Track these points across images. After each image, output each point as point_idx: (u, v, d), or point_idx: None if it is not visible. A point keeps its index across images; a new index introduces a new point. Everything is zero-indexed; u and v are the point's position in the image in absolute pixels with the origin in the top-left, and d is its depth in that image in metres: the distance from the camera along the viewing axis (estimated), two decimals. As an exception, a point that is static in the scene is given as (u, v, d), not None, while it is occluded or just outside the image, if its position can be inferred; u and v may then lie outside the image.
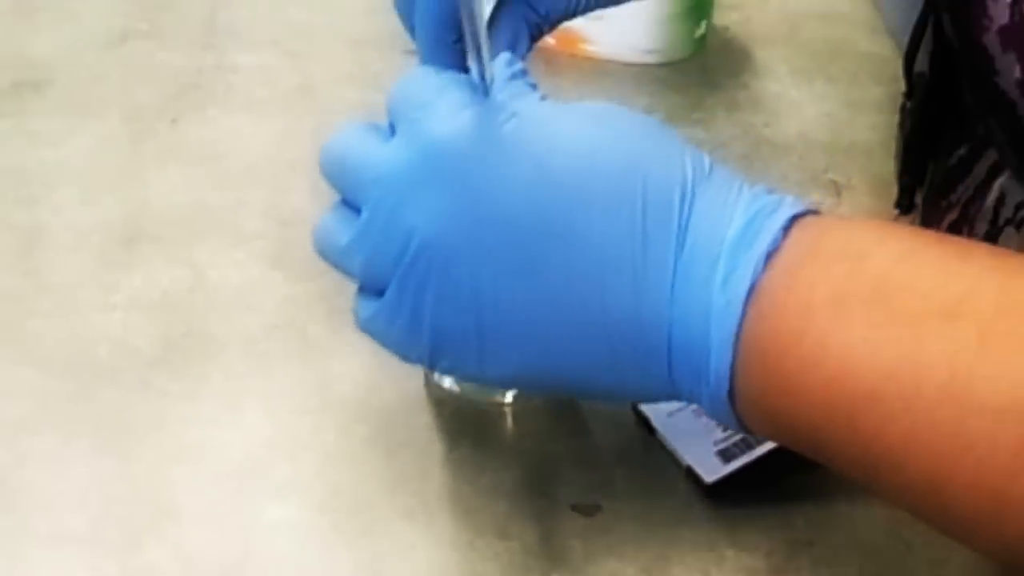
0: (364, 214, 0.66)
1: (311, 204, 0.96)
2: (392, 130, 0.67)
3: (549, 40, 1.09)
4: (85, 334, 0.88)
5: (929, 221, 0.81)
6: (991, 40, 0.62)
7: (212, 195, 0.97)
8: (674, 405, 0.80)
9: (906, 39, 1.14)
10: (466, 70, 0.74)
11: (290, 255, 0.93)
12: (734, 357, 0.60)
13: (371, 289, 0.67)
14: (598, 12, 1.07)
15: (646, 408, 0.82)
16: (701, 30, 1.10)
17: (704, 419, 0.79)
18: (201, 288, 0.91)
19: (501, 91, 0.67)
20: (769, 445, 0.77)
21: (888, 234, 0.60)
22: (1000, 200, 0.75)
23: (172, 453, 0.81)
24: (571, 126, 0.63)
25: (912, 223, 0.85)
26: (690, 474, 0.80)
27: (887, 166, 0.89)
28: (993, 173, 0.77)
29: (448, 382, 0.84)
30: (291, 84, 1.07)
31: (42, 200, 0.97)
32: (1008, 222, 0.74)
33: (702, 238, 0.60)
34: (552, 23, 0.78)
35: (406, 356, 0.70)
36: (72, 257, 0.93)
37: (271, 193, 0.97)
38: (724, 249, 0.60)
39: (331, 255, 0.69)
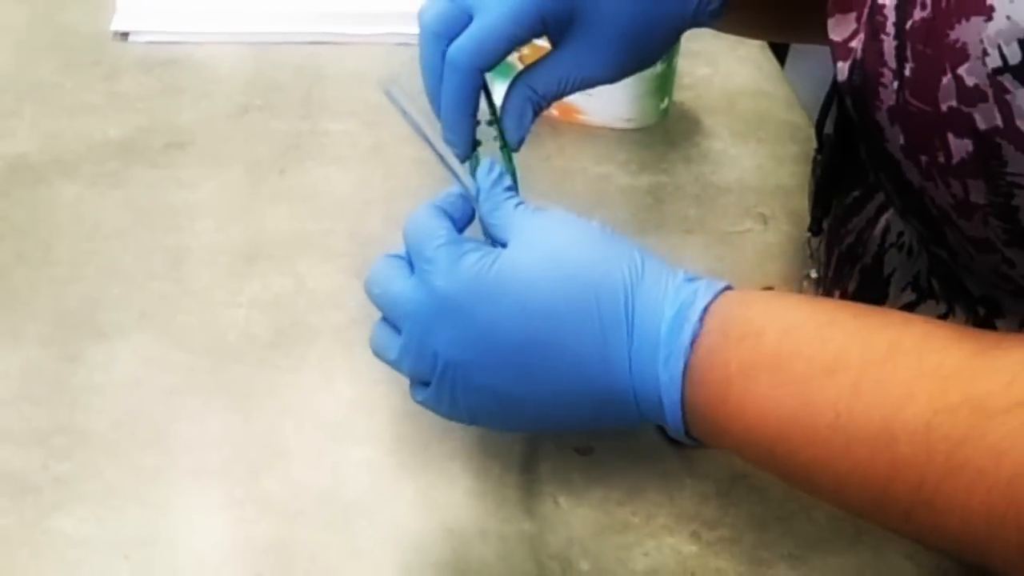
0: (402, 338, 0.67)
1: (381, 229, 0.96)
2: (411, 266, 0.67)
3: (553, 111, 1.10)
4: (218, 325, 0.88)
5: (832, 243, 0.82)
6: (882, 116, 0.62)
7: (310, 224, 0.97)
8: None
9: (816, 111, 1.15)
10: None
11: (366, 267, 0.92)
12: (683, 412, 0.62)
13: (419, 383, 0.68)
14: (588, 90, 1.07)
15: None
16: (664, 104, 1.10)
17: None
18: (302, 292, 0.91)
19: (486, 200, 0.68)
20: None
21: (777, 311, 0.60)
22: (886, 229, 0.75)
23: (282, 411, 0.82)
24: (538, 264, 0.63)
25: (819, 244, 0.85)
26: (659, 428, 0.80)
27: (801, 203, 0.89)
28: (880, 211, 0.77)
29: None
30: (366, 144, 1.07)
31: (186, 228, 0.97)
32: (892, 245, 0.74)
33: (644, 332, 0.61)
34: (549, 100, 0.77)
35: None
36: (208, 269, 0.93)
37: (352, 223, 0.98)
38: (661, 338, 0.61)
39: (385, 361, 0.69)
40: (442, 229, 0.66)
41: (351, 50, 1.20)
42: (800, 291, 0.87)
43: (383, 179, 1.03)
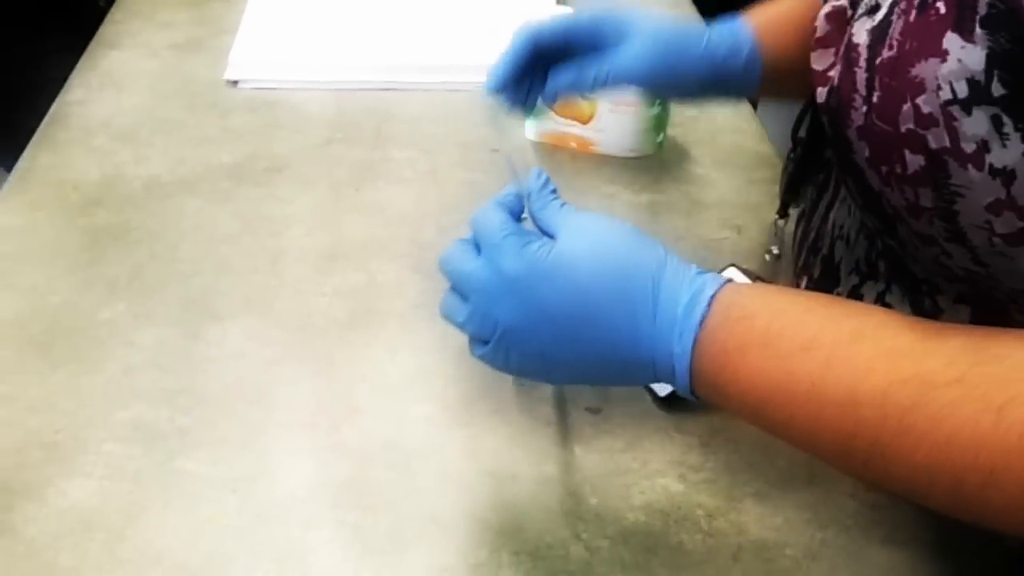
0: (469, 306, 0.66)
1: (435, 236, 0.96)
2: (478, 249, 0.67)
3: (572, 144, 1.10)
4: (307, 310, 0.89)
5: (802, 241, 0.82)
6: (852, 133, 0.62)
7: (379, 231, 0.98)
8: None
9: (781, 143, 1.14)
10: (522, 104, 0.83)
11: (423, 266, 0.93)
12: (690, 379, 0.61)
13: (478, 342, 0.67)
14: (601, 127, 1.08)
15: None
16: (661, 137, 1.10)
17: None
18: (373, 284, 0.91)
19: (536, 199, 0.68)
20: None
21: (767, 300, 0.60)
22: (833, 224, 0.76)
23: (357, 377, 0.82)
24: (584, 253, 0.63)
25: (785, 225, 0.85)
26: (650, 391, 0.80)
27: (768, 216, 0.89)
28: (828, 209, 0.77)
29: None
30: (425, 168, 1.07)
31: (282, 234, 0.97)
32: (837, 237, 0.75)
33: (665, 312, 0.61)
34: (589, 88, 0.82)
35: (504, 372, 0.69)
36: (300, 266, 0.93)
37: (412, 231, 0.98)
38: (678, 318, 0.61)
39: (452, 323, 0.68)
40: (507, 221, 0.66)
41: (413, 95, 1.20)
42: (763, 265, 0.87)
43: (437, 196, 1.03)
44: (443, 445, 0.76)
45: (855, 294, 0.72)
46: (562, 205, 0.68)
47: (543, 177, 0.70)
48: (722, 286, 0.62)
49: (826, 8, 0.71)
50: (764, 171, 1.07)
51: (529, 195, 0.69)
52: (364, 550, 0.69)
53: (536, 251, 0.64)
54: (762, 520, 0.71)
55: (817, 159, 0.78)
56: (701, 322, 0.60)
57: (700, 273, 0.63)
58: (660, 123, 1.09)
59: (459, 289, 0.68)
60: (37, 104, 1.19)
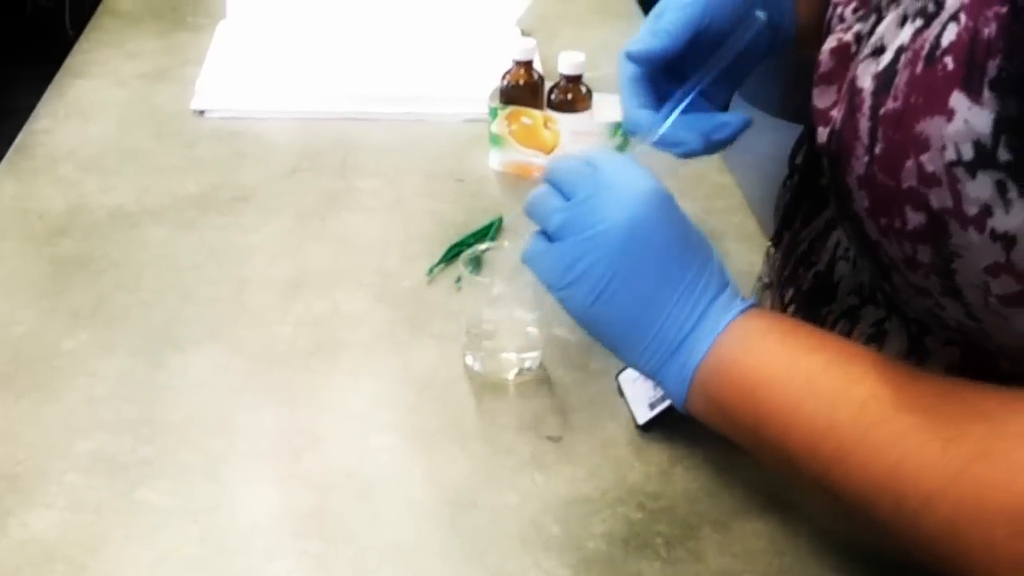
0: (574, 201, 0.65)
1: (401, 266, 0.97)
2: (564, 195, 0.66)
3: (535, 173, 1.10)
4: (271, 339, 0.88)
5: (789, 250, 0.81)
6: (852, 181, 0.61)
7: (344, 260, 0.98)
8: (635, 375, 0.80)
9: (743, 176, 1.14)
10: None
11: (387, 294, 0.93)
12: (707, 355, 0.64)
13: (543, 240, 0.66)
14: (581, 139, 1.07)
15: (622, 379, 0.82)
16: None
17: (647, 385, 0.79)
18: (337, 314, 0.91)
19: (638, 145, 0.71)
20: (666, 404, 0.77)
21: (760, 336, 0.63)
22: (837, 243, 0.74)
23: (320, 406, 0.82)
24: (664, 208, 0.65)
25: (776, 255, 0.85)
26: (632, 418, 0.80)
27: (727, 245, 0.89)
28: (829, 226, 0.76)
29: (477, 366, 0.85)
30: (390, 198, 1.07)
31: (247, 263, 0.97)
32: (841, 257, 0.74)
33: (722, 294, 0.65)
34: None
35: (549, 285, 0.67)
36: (263, 295, 0.93)
37: (377, 260, 0.98)
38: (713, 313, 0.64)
39: (540, 214, 0.67)
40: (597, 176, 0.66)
41: (378, 125, 1.21)
42: (752, 292, 0.87)
43: (402, 226, 1.03)
44: (405, 474, 0.76)
45: (852, 315, 0.71)
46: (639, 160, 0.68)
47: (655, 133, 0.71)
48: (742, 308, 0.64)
49: (830, 42, 0.68)
50: (723, 201, 1.08)
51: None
52: (325, 580, 0.69)
53: (622, 206, 0.64)
54: (720, 547, 0.71)
55: (813, 186, 0.77)
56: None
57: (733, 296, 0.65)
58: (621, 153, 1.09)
59: (567, 190, 0.67)
60: (6, 132, 1.18)
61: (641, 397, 0.80)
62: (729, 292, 0.65)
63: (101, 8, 1.49)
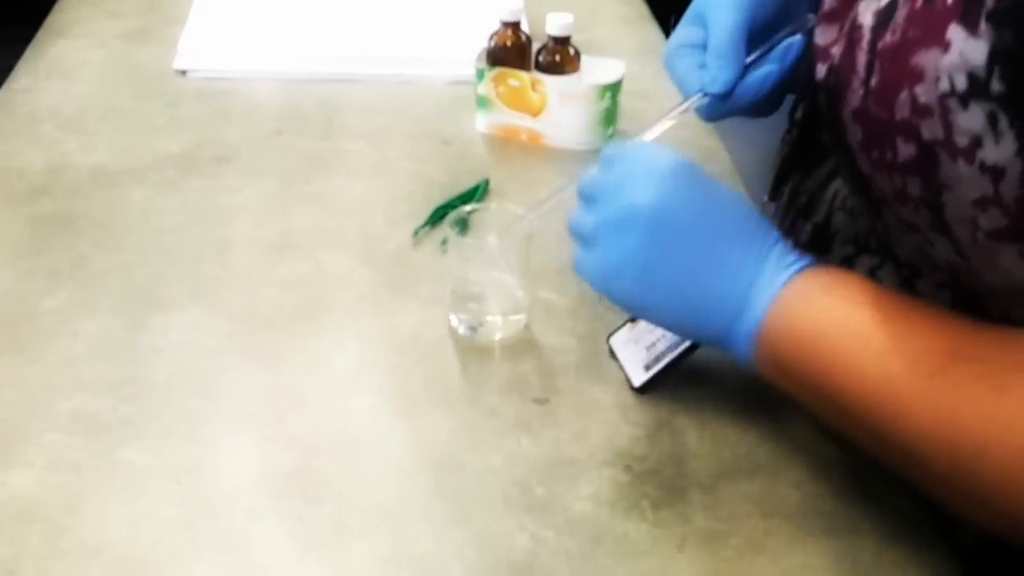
0: (608, 180, 0.69)
1: (385, 228, 0.96)
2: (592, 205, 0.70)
3: (522, 136, 1.09)
4: (254, 300, 0.87)
5: (789, 203, 0.82)
6: (846, 114, 0.62)
7: (328, 222, 0.97)
8: (627, 337, 0.80)
9: (733, 138, 1.14)
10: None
11: (372, 256, 0.92)
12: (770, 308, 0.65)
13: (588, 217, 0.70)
14: (551, 118, 1.07)
15: (613, 342, 0.82)
16: (610, 131, 1.10)
17: (639, 347, 0.79)
18: (321, 275, 0.91)
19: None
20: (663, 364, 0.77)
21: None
22: (835, 194, 0.75)
23: (304, 368, 0.81)
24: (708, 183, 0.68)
25: (774, 210, 0.86)
26: (627, 381, 0.80)
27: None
28: (829, 178, 0.77)
29: (462, 329, 0.84)
30: (374, 160, 1.06)
31: (231, 224, 0.96)
32: (839, 208, 0.75)
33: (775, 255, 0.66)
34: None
35: (596, 289, 0.70)
36: (247, 256, 0.92)
37: (361, 222, 0.97)
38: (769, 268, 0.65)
39: (577, 240, 0.71)
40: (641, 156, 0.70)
41: (363, 87, 1.19)
42: None
43: (386, 188, 1.02)
44: (388, 436, 0.76)
45: (847, 264, 0.72)
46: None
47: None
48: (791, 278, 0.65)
49: None
50: (713, 165, 1.07)
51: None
52: (308, 541, 0.68)
53: (666, 186, 0.67)
54: (706, 510, 0.71)
55: (812, 141, 0.78)
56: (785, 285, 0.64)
57: (788, 267, 0.66)
58: (610, 116, 1.09)
59: (590, 196, 0.70)
60: (-16, 93, 1.17)
61: (635, 359, 0.79)
62: (780, 248, 0.66)
63: (82, -33, 1.46)
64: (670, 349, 0.77)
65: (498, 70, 1.08)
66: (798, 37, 0.77)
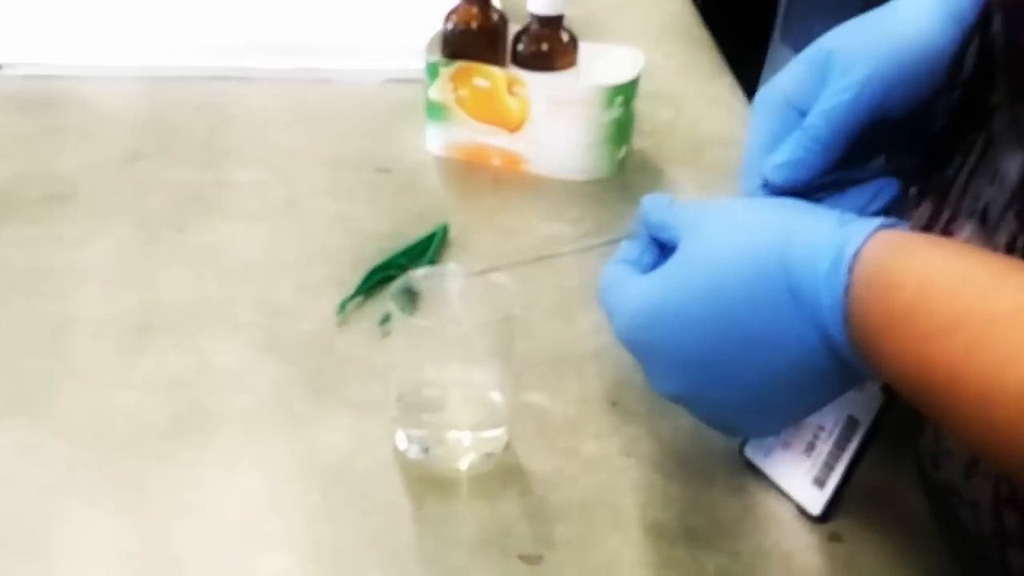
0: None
1: (294, 298, 0.96)
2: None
3: (494, 160, 1.10)
4: (106, 410, 0.87)
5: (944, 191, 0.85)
6: None
7: (212, 291, 0.97)
8: (772, 443, 0.82)
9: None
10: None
11: (278, 342, 0.92)
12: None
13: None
14: (537, 134, 1.07)
15: (751, 453, 0.83)
16: (622, 153, 1.10)
17: (793, 451, 0.80)
18: (204, 370, 0.90)
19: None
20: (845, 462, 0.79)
21: (919, 265, 0.69)
22: (970, 197, 0.79)
23: (179, 512, 0.80)
24: (707, 251, 0.77)
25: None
26: (798, 507, 0.80)
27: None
28: (969, 175, 0.80)
29: (414, 452, 0.84)
30: (278, 197, 1.07)
31: (69, 295, 0.96)
32: (970, 214, 0.78)
33: (804, 291, 0.72)
34: None
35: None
36: (95, 344, 0.92)
37: (261, 289, 0.97)
38: (820, 292, 0.71)
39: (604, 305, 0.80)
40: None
41: (259, 88, 1.20)
42: None
43: (297, 238, 1.02)
44: (309, 614, 0.75)
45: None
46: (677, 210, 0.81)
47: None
48: (867, 239, 0.70)
49: None
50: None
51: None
52: None
53: (664, 271, 0.77)
54: None
55: (979, 111, 0.80)
56: (846, 291, 0.70)
57: (842, 225, 0.72)
58: (621, 131, 1.09)
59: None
60: None
61: (794, 472, 0.80)
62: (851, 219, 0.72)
63: None
64: (838, 446, 0.78)
65: (459, 64, 1.08)
66: (894, 182, 0.83)
